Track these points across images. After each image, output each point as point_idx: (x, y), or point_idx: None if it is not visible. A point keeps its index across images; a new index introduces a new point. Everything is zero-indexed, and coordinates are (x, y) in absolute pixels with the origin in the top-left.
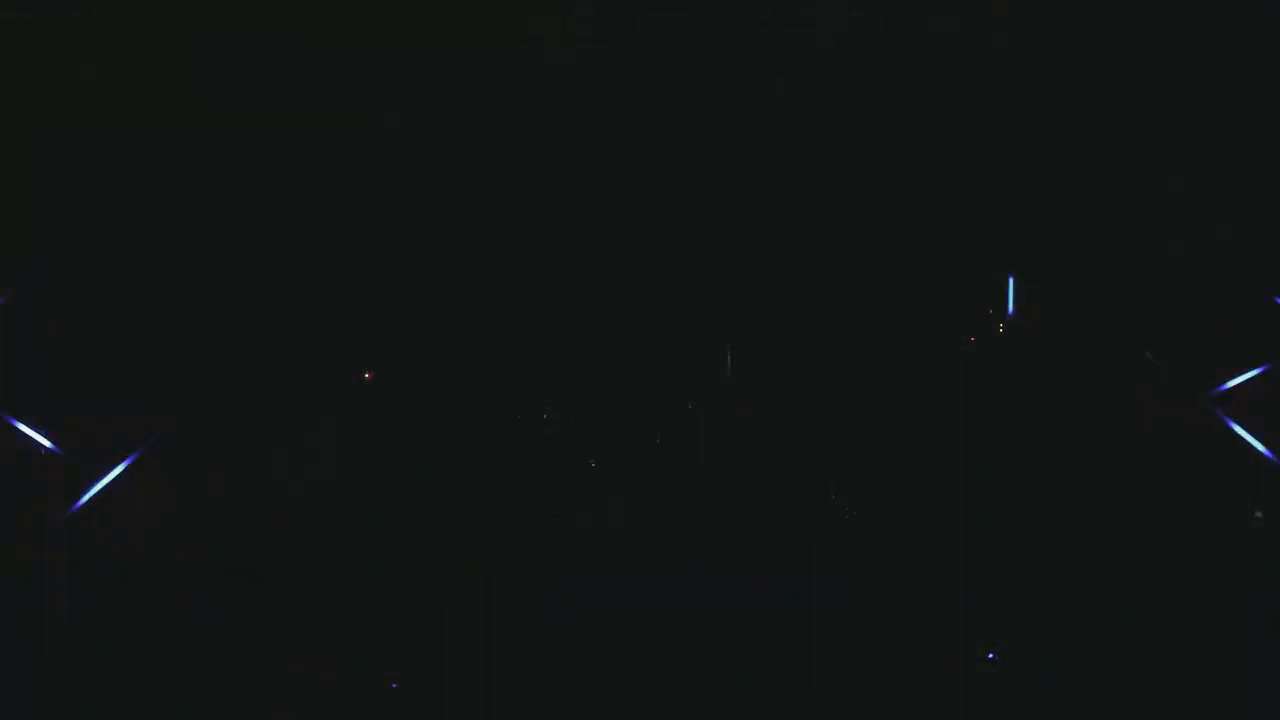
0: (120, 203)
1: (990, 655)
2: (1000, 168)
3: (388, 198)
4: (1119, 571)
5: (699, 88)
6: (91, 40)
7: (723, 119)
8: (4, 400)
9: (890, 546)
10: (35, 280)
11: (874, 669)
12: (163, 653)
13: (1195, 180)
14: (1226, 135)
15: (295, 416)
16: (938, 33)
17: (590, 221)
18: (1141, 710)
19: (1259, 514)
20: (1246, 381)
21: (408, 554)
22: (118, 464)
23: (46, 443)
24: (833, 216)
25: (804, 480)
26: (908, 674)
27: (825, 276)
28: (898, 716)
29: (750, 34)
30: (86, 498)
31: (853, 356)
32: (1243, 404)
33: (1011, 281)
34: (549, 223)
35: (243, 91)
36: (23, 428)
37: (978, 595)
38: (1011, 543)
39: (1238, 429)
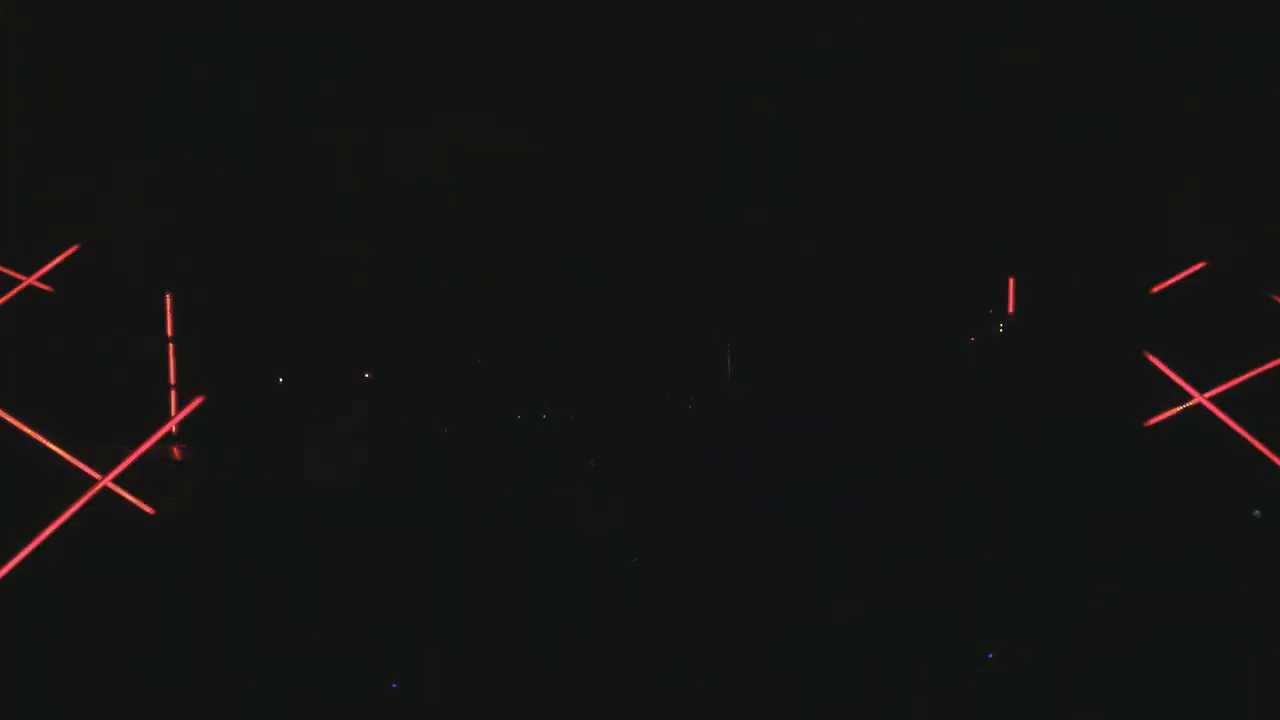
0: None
1: (990, 655)
2: (1000, 169)
3: (389, 199)
4: (1118, 570)
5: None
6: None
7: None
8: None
9: (890, 546)
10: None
11: (873, 667)
12: (161, 650)
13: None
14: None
15: (296, 418)
16: (938, 38)
17: (590, 221)
18: (1141, 709)
19: (1258, 513)
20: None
21: (408, 555)
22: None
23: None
24: (833, 216)
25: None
26: (909, 673)
27: (825, 276)
28: (897, 715)
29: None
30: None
31: (853, 356)
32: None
33: (1012, 282)
34: (549, 223)
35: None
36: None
37: (978, 595)
38: (1011, 542)
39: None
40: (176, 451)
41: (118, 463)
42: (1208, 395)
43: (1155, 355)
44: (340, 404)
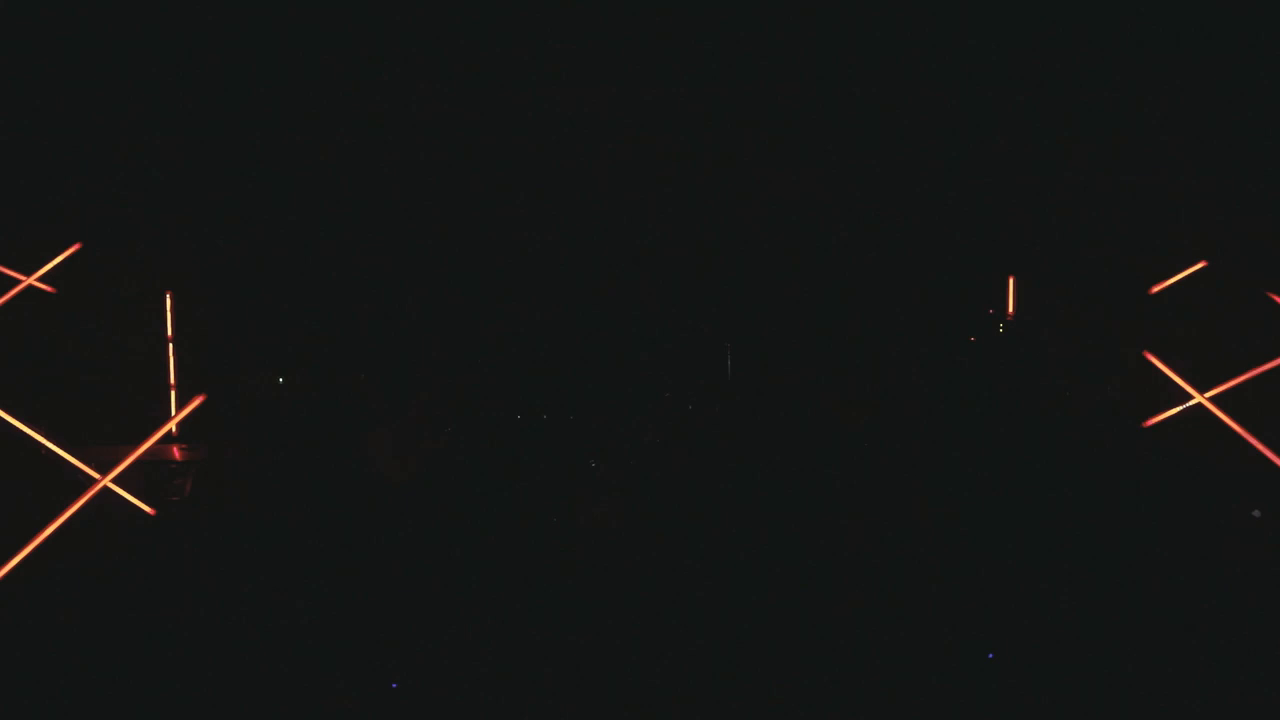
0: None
1: (990, 655)
2: (999, 171)
3: (392, 200)
4: (1118, 570)
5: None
6: None
7: (723, 121)
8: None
9: (890, 545)
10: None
11: (873, 667)
12: (163, 652)
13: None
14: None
15: (297, 422)
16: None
17: (591, 222)
18: (1141, 709)
19: (1257, 513)
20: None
21: (407, 554)
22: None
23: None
24: (832, 217)
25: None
26: (909, 673)
27: (825, 277)
28: (898, 715)
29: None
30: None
31: (852, 357)
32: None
33: (1012, 282)
34: (550, 224)
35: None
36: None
37: (978, 595)
38: (1012, 542)
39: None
40: (177, 451)
41: (118, 463)
42: (1208, 395)
43: (1155, 355)
44: (339, 402)
